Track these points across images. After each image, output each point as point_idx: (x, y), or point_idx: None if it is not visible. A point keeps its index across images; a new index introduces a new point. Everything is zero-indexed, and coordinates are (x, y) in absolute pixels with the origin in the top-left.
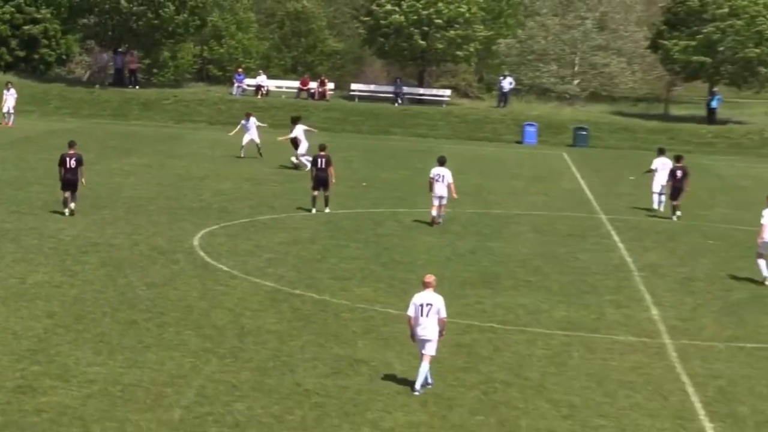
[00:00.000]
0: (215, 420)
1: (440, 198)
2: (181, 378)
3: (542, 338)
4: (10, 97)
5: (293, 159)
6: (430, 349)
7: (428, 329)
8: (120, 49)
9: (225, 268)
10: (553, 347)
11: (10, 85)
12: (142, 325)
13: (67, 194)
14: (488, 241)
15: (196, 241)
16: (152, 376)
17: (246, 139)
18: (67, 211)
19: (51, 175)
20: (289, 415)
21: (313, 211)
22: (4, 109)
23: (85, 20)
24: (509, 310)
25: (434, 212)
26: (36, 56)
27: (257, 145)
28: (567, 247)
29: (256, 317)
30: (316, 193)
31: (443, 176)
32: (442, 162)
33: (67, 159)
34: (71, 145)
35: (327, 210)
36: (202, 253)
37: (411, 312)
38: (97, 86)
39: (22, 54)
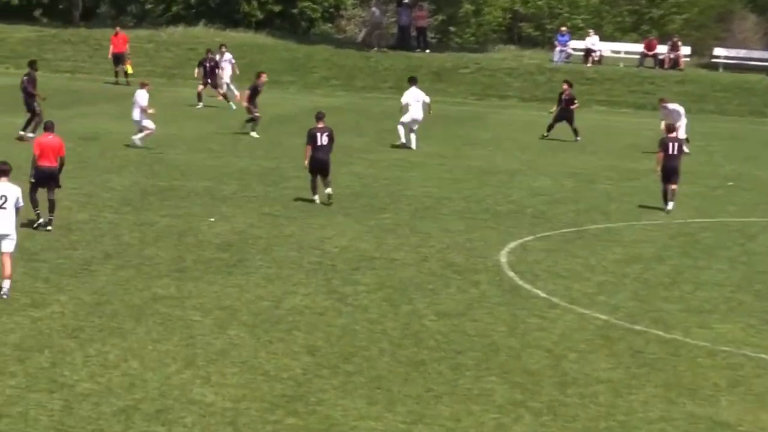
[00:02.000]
0: None
1: None
2: None
3: None
4: (227, 65)
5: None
6: None
7: None
8: (405, 1)
9: (542, 294)
10: None
11: (224, 49)
12: (432, 367)
13: (318, 178)
14: None
15: (503, 257)
16: None
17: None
18: (317, 198)
19: None
20: None
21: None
22: (225, 80)
23: None
24: None
25: None
26: (295, 10)
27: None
28: None
29: (582, 361)
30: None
31: None
32: None
33: (318, 135)
34: (320, 117)
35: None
36: (511, 273)
37: None
38: (375, 49)
39: (277, 8)
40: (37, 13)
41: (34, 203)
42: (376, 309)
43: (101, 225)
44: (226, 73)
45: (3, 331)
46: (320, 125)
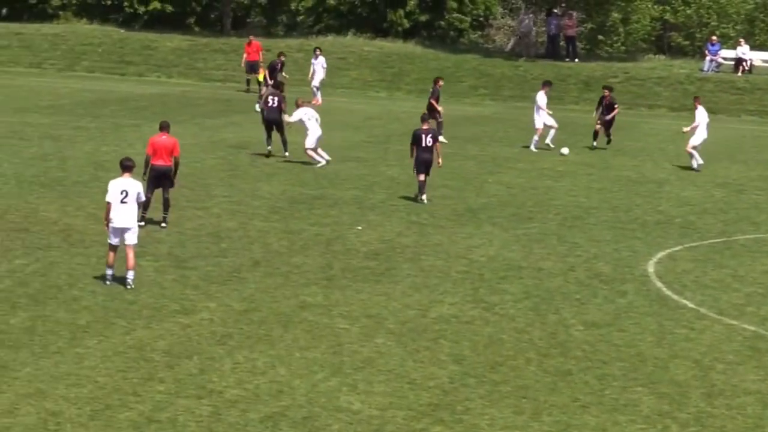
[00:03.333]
0: None
1: None
2: None
3: None
4: (319, 68)
5: None
6: None
7: None
8: (555, 10)
9: (690, 305)
10: None
11: (318, 52)
12: (578, 377)
13: (422, 177)
14: None
15: (651, 267)
16: None
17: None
18: (424, 198)
19: (461, 175)
20: None
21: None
22: (313, 83)
23: None
24: None
25: None
26: (443, 21)
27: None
28: None
29: (730, 372)
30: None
31: None
32: None
33: (423, 136)
34: (424, 119)
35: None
36: (659, 284)
37: None
38: (524, 58)
39: (423, 18)
40: (191, 20)
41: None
42: (522, 318)
43: (250, 233)
44: (317, 76)
45: (153, 338)
46: (425, 126)
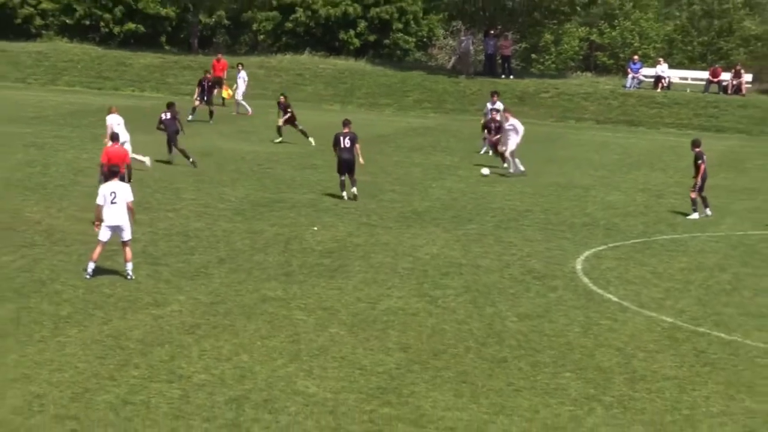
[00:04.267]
0: None
1: None
2: (559, 430)
3: None
4: (240, 82)
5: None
6: None
7: None
8: (492, 32)
9: (614, 299)
10: None
11: (240, 67)
12: (513, 364)
13: (343, 177)
14: None
15: (578, 265)
16: (523, 426)
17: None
18: (345, 195)
19: (407, 181)
20: None
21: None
22: (237, 96)
23: None
24: None
25: None
26: (388, 41)
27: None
28: None
29: (650, 359)
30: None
31: None
32: None
33: (341, 138)
34: (345, 123)
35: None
36: (585, 279)
37: None
38: (463, 75)
39: (372, 38)
40: (162, 39)
41: None
42: (462, 311)
43: (216, 233)
44: (239, 89)
45: (128, 328)
46: (345, 130)
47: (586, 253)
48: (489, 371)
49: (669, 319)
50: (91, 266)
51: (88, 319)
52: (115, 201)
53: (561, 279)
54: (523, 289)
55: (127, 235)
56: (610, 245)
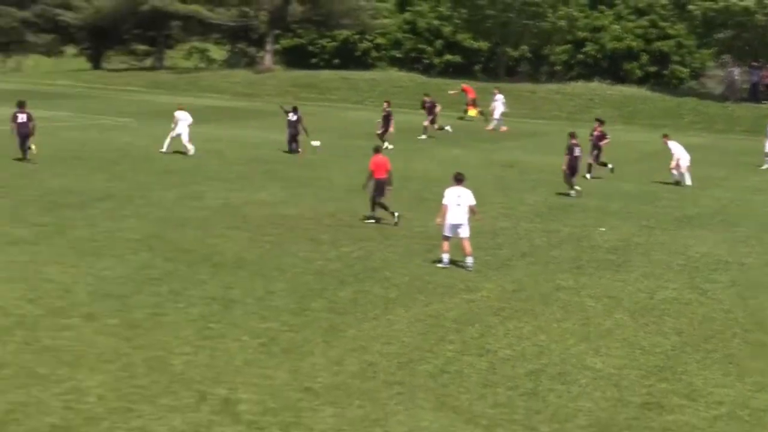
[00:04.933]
0: None
1: None
2: None
3: None
4: (499, 104)
5: None
6: None
7: None
8: (755, 63)
9: None
10: None
11: (496, 91)
12: None
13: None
14: None
15: None
16: None
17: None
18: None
19: (679, 190)
20: None
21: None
22: (495, 116)
23: (720, 34)
24: None
25: None
26: (666, 71)
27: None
28: None
29: None
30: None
31: None
32: None
33: (574, 148)
34: (572, 135)
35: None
36: None
37: None
38: (731, 101)
39: (652, 69)
40: (476, 68)
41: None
42: (729, 301)
43: (518, 231)
44: (497, 110)
45: (445, 309)
46: (573, 141)
47: None
48: (753, 354)
49: None
50: (445, 257)
51: (413, 302)
52: (459, 203)
53: None
54: None
55: (465, 232)
56: None
